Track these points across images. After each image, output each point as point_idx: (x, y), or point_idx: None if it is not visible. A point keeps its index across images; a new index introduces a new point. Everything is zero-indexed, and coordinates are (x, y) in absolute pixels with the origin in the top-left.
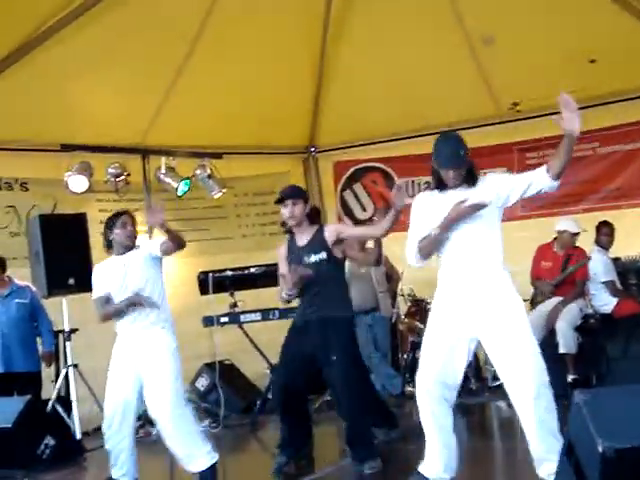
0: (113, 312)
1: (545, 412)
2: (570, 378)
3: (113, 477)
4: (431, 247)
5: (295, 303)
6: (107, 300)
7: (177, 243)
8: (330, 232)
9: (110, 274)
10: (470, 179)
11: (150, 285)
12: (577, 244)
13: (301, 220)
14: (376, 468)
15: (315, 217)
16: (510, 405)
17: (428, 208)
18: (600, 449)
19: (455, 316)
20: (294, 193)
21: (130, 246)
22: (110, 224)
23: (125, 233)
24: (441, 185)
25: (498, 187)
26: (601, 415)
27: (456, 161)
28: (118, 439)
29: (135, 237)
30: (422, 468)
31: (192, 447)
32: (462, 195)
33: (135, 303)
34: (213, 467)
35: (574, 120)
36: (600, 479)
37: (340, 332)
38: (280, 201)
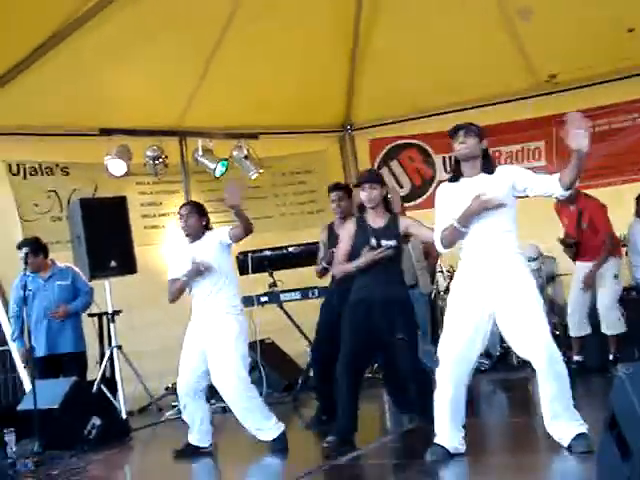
0: (179, 288)
1: (559, 377)
2: (611, 357)
3: (190, 442)
4: (452, 237)
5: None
6: (176, 282)
7: (246, 227)
8: (403, 225)
9: (182, 260)
10: (486, 167)
11: (219, 272)
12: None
13: (378, 204)
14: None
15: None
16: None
17: (450, 197)
18: None
19: (475, 295)
20: (372, 178)
21: (194, 235)
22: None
23: (182, 224)
24: (458, 173)
25: (515, 179)
26: None
27: (463, 127)
28: (193, 408)
29: (194, 227)
30: (438, 440)
31: (261, 421)
32: (480, 184)
33: (195, 273)
34: (283, 435)
35: (581, 138)
36: None
37: (405, 312)
38: (358, 185)
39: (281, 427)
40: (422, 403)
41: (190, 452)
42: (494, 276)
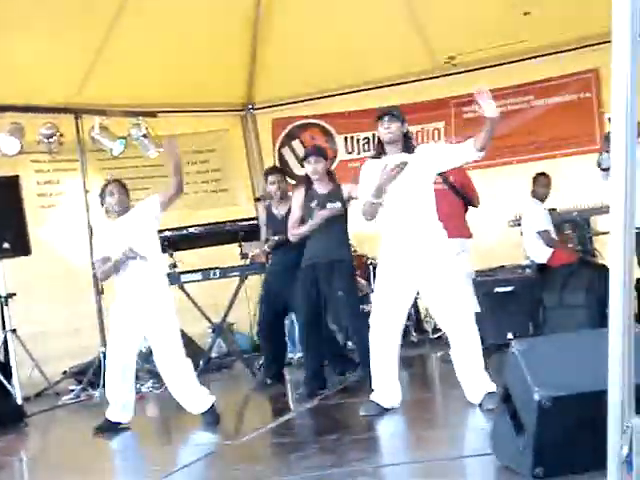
0: (111, 269)
1: (476, 345)
2: None
3: (109, 418)
4: (370, 210)
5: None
6: (106, 261)
7: (179, 186)
8: (346, 190)
9: (110, 237)
10: (407, 147)
11: (148, 243)
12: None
13: (322, 175)
14: None
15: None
16: (449, 357)
17: (373, 173)
18: (536, 398)
19: (400, 268)
20: (317, 152)
21: (122, 210)
22: (101, 194)
23: (114, 200)
24: (381, 151)
25: (431, 154)
26: (537, 364)
27: (389, 112)
28: (122, 391)
29: (123, 202)
30: (374, 397)
31: (195, 392)
32: (398, 160)
33: (128, 257)
34: (213, 406)
35: (491, 106)
36: (537, 427)
37: (344, 271)
38: (304, 159)
39: (212, 399)
40: (362, 357)
41: (109, 428)
42: (417, 252)
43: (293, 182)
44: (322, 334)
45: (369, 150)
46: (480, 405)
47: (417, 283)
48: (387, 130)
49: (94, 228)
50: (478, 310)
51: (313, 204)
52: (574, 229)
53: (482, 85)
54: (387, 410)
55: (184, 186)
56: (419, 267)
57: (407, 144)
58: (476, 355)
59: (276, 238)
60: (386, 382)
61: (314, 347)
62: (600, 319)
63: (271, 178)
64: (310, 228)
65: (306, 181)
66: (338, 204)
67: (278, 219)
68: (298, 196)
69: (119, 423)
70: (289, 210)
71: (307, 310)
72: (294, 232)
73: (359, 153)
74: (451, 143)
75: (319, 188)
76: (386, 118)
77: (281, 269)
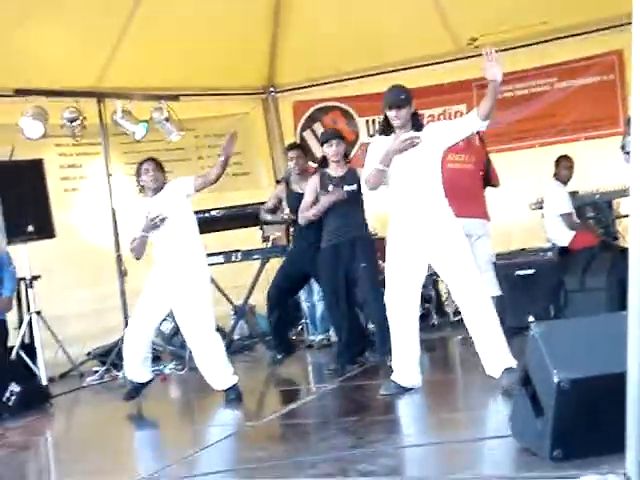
0: (138, 243)
1: (494, 318)
2: None
3: (133, 380)
4: (375, 178)
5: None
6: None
7: (217, 177)
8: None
9: (144, 215)
10: (415, 124)
11: (183, 221)
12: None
13: (341, 158)
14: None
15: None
16: (471, 339)
17: (382, 148)
18: (555, 380)
19: (410, 245)
20: (337, 134)
21: (157, 188)
22: (137, 172)
23: (149, 177)
24: (388, 129)
25: (438, 131)
26: (557, 347)
27: (397, 102)
28: (138, 348)
29: (159, 179)
30: (394, 376)
31: (223, 367)
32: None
33: (151, 227)
34: (236, 384)
35: (494, 68)
36: (556, 409)
37: (365, 247)
38: (325, 141)
39: (236, 378)
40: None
41: (137, 390)
42: (427, 228)
43: (314, 165)
44: (347, 313)
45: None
46: (499, 380)
47: (427, 258)
48: (396, 118)
49: (119, 209)
50: (499, 293)
51: (330, 187)
52: (596, 212)
53: (489, 49)
54: (407, 390)
55: (220, 178)
56: (428, 242)
57: (416, 123)
58: (492, 327)
59: (285, 216)
60: (406, 361)
61: (341, 325)
62: (621, 302)
63: (290, 154)
64: (318, 212)
65: (320, 164)
66: (354, 186)
67: (296, 195)
68: (313, 180)
69: (142, 384)
70: None
71: (332, 290)
72: (303, 215)
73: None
74: None
75: (335, 171)
76: (394, 106)
77: (306, 245)
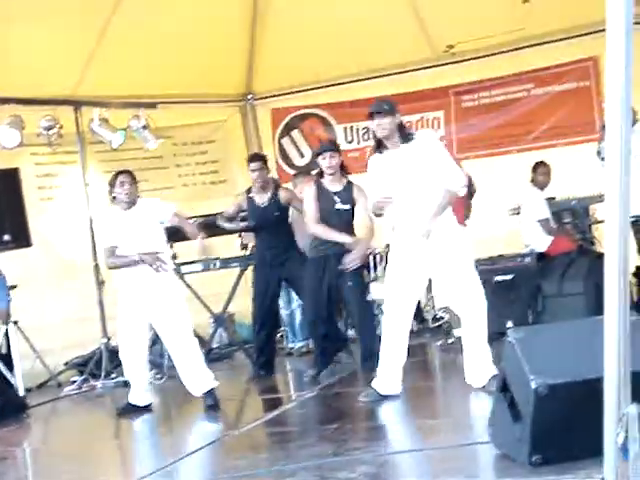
0: (125, 263)
1: (484, 330)
2: None
3: (130, 401)
4: (376, 211)
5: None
6: (113, 250)
7: (190, 235)
8: (356, 193)
9: (118, 227)
10: (403, 137)
11: (155, 238)
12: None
13: (337, 170)
14: None
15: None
16: (449, 345)
17: (381, 169)
18: (533, 386)
19: (413, 256)
20: (332, 147)
21: (131, 202)
22: (111, 183)
23: (124, 191)
24: (381, 146)
25: (430, 154)
26: (534, 352)
27: (379, 112)
28: (138, 367)
29: (133, 194)
30: (376, 384)
31: (201, 372)
32: (404, 157)
33: (146, 261)
34: (214, 390)
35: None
36: (534, 415)
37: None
38: (319, 154)
39: (215, 383)
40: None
41: (131, 410)
42: (429, 243)
43: (292, 172)
44: (327, 321)
45: (369, 139)
46: (484, 387)
47: (429, 271)
48: (379, 127)
49: (95, 218)
50: None
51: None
52: (573, 218)
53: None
54: (386, 398)
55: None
56: (431, 254)
57: (403, 134)
58: (484, 339)
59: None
60: (391, 369)
61: (320, 333)
62: (599, 307)
63: (252, 166)
64: (335, 239)
65: (318, 176)
66: (347, 206)
67: (259, 208)
68: (310, 191)
69: (139, 406)
70: (271, 199)
71: (315, 301)
72: (316, 230)
73: (359, 142)
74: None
75: (332, 185)
76: (377, 115)
77: (270, 255)
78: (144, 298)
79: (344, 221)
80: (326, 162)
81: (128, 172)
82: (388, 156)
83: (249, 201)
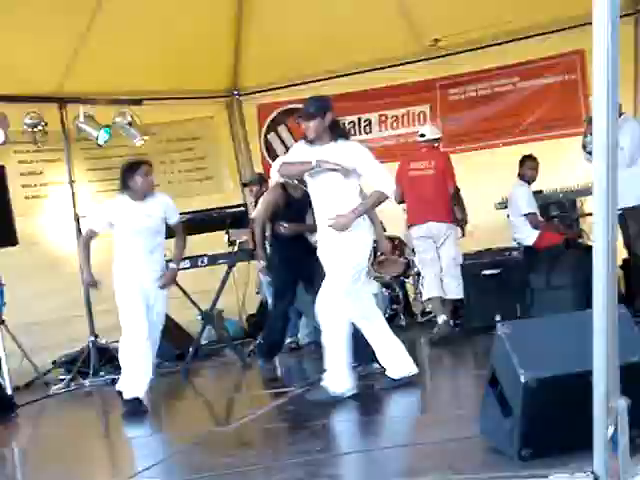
0: (82, 265)
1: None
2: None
3: (134, 395)
4: (288, 172)
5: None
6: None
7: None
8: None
9: (127, 215)
10: (334, 136)
11: (162, 235)
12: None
13: None
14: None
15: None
16: (437, 340)
17: (299, 155)
18: (522, 379)
19: (324, 248)
20: None
21: (149, 194)
22: (132, 170)
23: (147, 182)
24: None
25: (353, 159)
26: (523, 346)
27: (304, 115)
28: (149, 353)
29: (153, 185)
30: (325, 382)
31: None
32: (328, 153)
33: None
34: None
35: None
36: (523, 409)
37: None
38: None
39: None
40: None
41: (141, 403)
42: (328, 239)
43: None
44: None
45: (354, 134)
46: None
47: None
48: (307, 129)
49: (82, 215)
50: (460, 296)
51: None
52: (561, 211)
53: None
54: (337, 397)
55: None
56: (326, 251)
57: (335, 134)
58: (335, 346)
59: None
60: (338, 367)
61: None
62: (587, 300)
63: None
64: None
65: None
66: None
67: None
68: None
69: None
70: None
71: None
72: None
73: None
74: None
75: None
76: (303, 118)
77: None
78: (147, 288)
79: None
80: None
81: (149, 163)
82: (313, 149)
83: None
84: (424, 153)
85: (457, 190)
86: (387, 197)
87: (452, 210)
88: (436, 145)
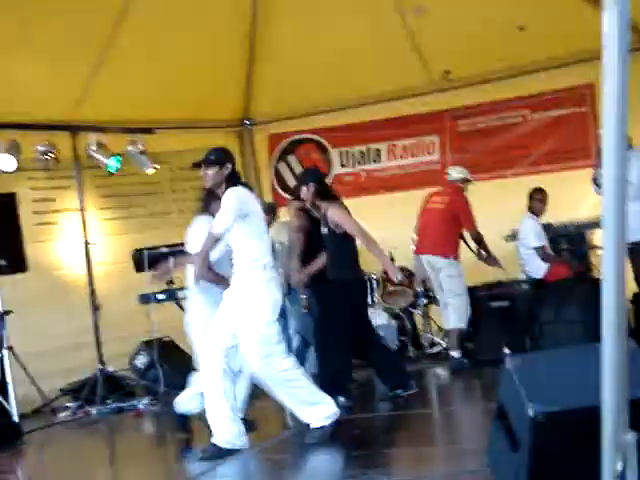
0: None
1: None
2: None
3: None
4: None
5: None
6: None
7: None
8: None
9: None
10: (228, 187)
11: None
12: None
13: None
14: None
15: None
16: (446, 372)
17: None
18: (531, 413)
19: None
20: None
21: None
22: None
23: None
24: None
25: None
26: (531, 379)
27: (204, 162)
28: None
29: None
30: (217, 440)
31: None
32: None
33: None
34: None
35: None
36: (531, 443)
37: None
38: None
39: None
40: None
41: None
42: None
43: (288, 196)
44: None
45: (363, 163)
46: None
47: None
48: (205, 177)
49: (91, 243)
50: (461, 326)
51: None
52: (570, 244)
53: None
54: (229, 452)
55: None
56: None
57: (229, 185)
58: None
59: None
60: (218, 420)
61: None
62: (596, 334)
63: None
64: None
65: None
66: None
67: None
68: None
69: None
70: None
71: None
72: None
73: (354, 166)
74: (442, 162)
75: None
76: (202, 166)
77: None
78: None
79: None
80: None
81: None
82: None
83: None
84: (444, 190)
85: (479, 235)
86: (215, 236)
87: (452, 245)
88: (461, 185)
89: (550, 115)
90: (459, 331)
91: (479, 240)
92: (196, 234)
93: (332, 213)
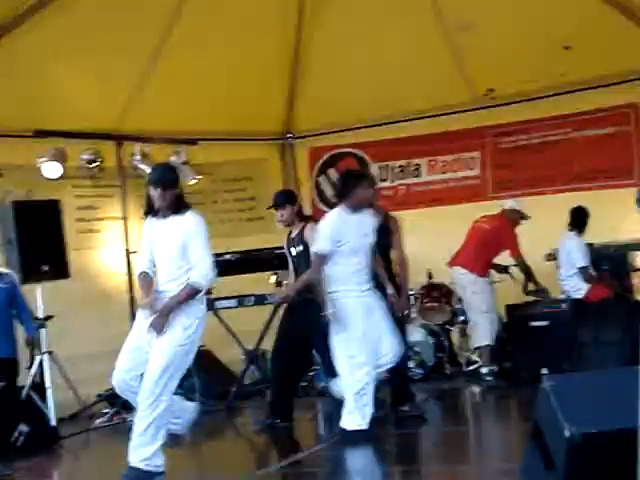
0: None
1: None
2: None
3: None
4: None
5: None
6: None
7: None
8: (306, 233)
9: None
10: (178, 210)
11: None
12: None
13: (290, 221)
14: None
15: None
16: (483, 390)
17: (149, 232)
18: (567, 434)
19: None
20: (279, 200)
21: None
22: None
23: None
24: (154, 210)
25: (186, 234)
26: (568, 400)
27: (159, 180)
28: None
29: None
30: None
31: None
32: (167, 227)
33: None
34: None
35: None
36: (567, 464)
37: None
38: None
39: None
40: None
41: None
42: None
43: (328, 210)
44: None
45: (403, 178)
46: None
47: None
48: (157, 198)
49: (132, 252)
50: (487, 342)
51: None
52: (611, 264)
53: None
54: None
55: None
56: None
57: (179, 208)
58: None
59: None
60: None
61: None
62: (635, 356)
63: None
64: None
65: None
66: (300, 247)
67: None
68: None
69: None
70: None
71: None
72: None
73: (392, 181)
74: (483, 178)
75: (292, 230)
76: (156, 186)
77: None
78: None
79: (302, 262)
80: (278, 214)
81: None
82: (158, 222)
83: None
84: (495, 215)
85: (526, 264)
86: (199, 287)
87: (482, 264)
88: (512, 217)
89: (593, 134)
90: (489, 347)
91: (526, 270)
92: None
93: (308, 233)
